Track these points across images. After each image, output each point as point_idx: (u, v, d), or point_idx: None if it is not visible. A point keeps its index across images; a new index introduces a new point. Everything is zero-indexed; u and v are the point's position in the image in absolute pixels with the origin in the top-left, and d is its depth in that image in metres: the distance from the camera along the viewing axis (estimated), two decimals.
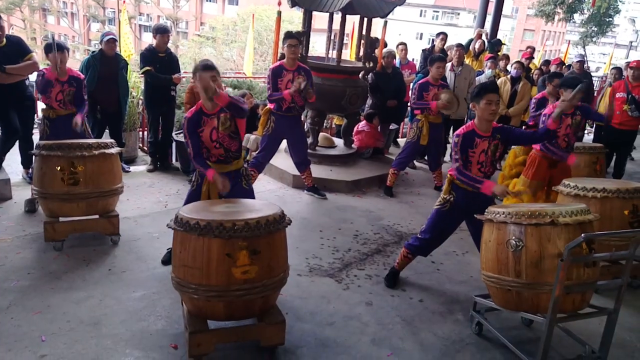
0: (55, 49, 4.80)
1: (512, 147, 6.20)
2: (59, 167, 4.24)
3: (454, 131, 8.10)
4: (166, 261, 4.24)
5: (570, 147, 5.13)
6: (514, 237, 3.16)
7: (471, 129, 3.82)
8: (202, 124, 3.74)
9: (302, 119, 6.37)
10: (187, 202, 3.93)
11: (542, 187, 5.31)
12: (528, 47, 10.48)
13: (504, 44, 11.35)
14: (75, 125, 4.93)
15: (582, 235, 2.85)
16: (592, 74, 9.30)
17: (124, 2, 8.71)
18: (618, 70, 8.54)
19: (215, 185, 3.78)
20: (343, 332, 3.57)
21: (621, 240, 4.04)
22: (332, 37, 7.61)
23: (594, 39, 29.02)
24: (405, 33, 38.80)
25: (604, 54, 52.48)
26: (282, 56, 5.87)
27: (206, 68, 3.66)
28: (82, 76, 5.26)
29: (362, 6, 6.44)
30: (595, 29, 27.39)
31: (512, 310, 3.34)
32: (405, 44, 8.51)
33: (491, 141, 3.80)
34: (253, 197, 4.03)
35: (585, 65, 9.83)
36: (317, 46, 19.88)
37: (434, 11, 55.12)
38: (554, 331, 3.05)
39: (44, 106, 5.13)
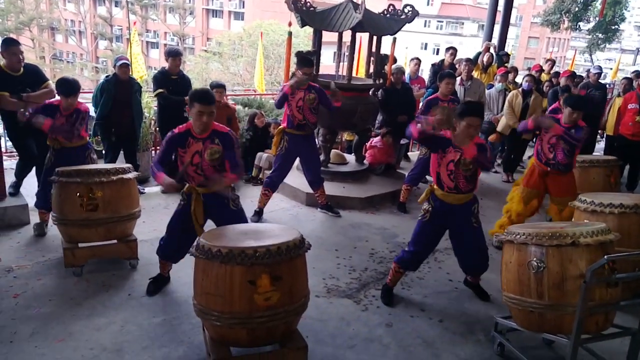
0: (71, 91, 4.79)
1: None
2: (78, 194, 4.28)
3: None
4: (151, 292, 4.18)
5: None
6: (535, 259, 3.16)
7: (449, 137, 3.90)
8: (186, 145, 3.73)
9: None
10: (173, 220, 4.01)
11: (537, 195, 5.35)
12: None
13: (510, 54, 11.38)
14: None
15: (605, 257, 2.85)
16: (600, 81, 9.29)
17: (134, 23, 8.79)
18: (629, 80, 8.52)
19: (199, 205, 3.81)
20: (364, 356, 3.57)
21: None
22: (342, 53, 7.64)
23: (600, 46, 28.99)
24: (410, 44, 38.93)
25: (609, 60, 52.29)
26: (293, 75, 5.91)
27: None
28: (87, 109, 5.05)
29: (371, 25, 6.49)
30: (602, 36, 27.37)
31: (534, 331, 3.34)
32: (419, 59, 8.56)
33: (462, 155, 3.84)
34: (244, 217, 4.00)
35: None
36: (324, 59, 20.03)
37: (438, 21, 55.26)
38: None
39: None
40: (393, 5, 6.86)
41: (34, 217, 5.38)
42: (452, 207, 3.97)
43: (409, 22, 6.72)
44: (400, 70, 7.46)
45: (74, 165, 4.62)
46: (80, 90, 4.98)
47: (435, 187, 4.01)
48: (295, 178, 6.56)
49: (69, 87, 4.79)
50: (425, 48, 51.20)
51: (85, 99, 6.39)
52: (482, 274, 4.36)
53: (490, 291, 4.51)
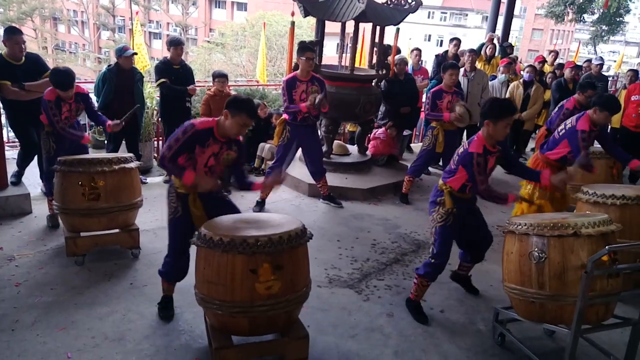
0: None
1: None
2: (80, 183, 4.28)
3: (467, 136, 8.13)
4: (170, 317, 3.79)
5: None
6: (536, 249, 3.16)
7: (483, 145, 3.65)
8: (206, 145, 3.41)
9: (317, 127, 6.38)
10: (176, 239, 3.61)
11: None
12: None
13: (514, 46, 11.32)
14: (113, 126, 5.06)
15: (606, 247, 2.84)
16: (603, 73, 9.25)
17: (137, 13, 8.76)
18: (634, 72, 8.47)
19: (198, 207, 3.49)
20: (365, 345, 3.58)
21: None
22: (345, 43, 7.62)
23: (604, 39, 28.83)
24: (413, 35, 38.68)
25: (613, 52, 51.97)
26: (296, 66, 5.90)
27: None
28: (86, 90, 5.08)
29: (375, 15, 6.45)
30: (606, 28, 27.22)
31: (535, 322, 3.34)
32: (419, 50, 8.52)
33: (497, 157, 3.79)
34: (236, 208, 3.71)
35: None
36: (327, 50, 19.91)
37: (442, 12, 54.93)
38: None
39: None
40: None
41: (36, 207, 5.40)
42: (469, 201, 3.86)
43: (412, 13, 6.69)
44: (403, 61, 7.43)
45: (75, 147, 4.79)
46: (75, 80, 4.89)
47: (455, 190, 3.76)
48: (298, 169, 6.56)
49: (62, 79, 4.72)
50: (429, 39, 50.90)
51: (88, 89, 6.37)
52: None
53: (491, 282, 4.53)
